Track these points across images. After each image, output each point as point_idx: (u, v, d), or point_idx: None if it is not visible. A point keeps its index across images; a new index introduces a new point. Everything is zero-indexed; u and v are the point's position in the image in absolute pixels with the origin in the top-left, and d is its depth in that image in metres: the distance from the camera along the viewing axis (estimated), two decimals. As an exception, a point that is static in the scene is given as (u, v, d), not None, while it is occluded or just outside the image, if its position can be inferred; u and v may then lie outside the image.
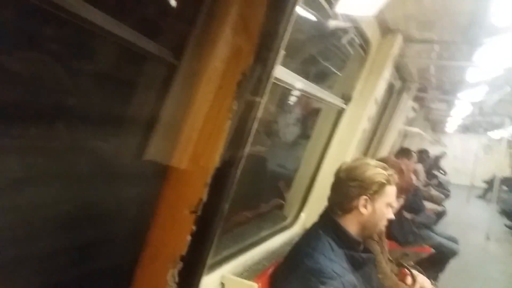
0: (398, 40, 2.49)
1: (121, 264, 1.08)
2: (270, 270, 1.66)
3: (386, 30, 2.45)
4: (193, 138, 1.03)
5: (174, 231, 1.01)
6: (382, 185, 1.52)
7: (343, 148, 2.41)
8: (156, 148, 1.10)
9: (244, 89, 0.96)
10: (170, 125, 1.08)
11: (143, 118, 1.19)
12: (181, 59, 1.11)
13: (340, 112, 2.39)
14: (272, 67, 0.96)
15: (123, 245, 1.12)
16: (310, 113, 3.58)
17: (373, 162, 1.59)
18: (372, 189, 1.51)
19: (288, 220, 2.43)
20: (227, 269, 1.58)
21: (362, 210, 1.51)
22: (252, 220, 2.24)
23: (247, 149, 0.99)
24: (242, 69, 0.96)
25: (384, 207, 1.54)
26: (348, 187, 1.51)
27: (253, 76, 0.96)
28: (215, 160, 0.97)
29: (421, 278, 2.10)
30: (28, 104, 0.92)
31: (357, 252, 1.54)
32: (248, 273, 1.67)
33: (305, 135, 3.50)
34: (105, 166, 1.21)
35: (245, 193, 1.82)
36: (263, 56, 0.94)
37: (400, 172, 1.73)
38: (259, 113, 0.99)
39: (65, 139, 1.04)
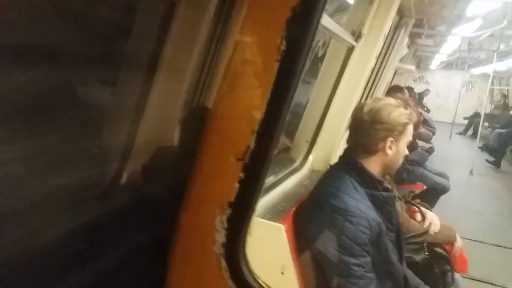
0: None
1: (165, 210, 1.06)
2: (292, 211, 1.68)
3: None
4: (238, 82, 0.97)
5: (221, 178, 0.98)
6: (405, 125, 1.53)
7: (352, 87, 2.37)
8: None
9: (294, 27, 0.89)
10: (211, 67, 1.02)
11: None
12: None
13: (349, 50, 2.32)
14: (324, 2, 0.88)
15: (166, 191, 1.09)
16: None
17: (394, 101, 1.57)
18: (398, 130, 1.51)
19: (297, 163, 2.42)
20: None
21: (388, 151, 1.52)
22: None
23: (295, 94, 0.95)
24: (292, 4, 0.88)
25: (405, 146, 1.58)
26: (375, 130, 1.50)
27: (303, 12, 0.88)
28: (263, 106, 0.92)
29: (430, 215, 2.17)
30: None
31: (379, 191, 1.57)
32: (270, 215, 1.68)
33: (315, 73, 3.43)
34: (136, 111, 1.17)
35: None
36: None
37: (413, 109, 1.73)
38: (308, 54, 0.93)
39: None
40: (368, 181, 1.53)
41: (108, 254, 0.97)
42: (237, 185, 0.95)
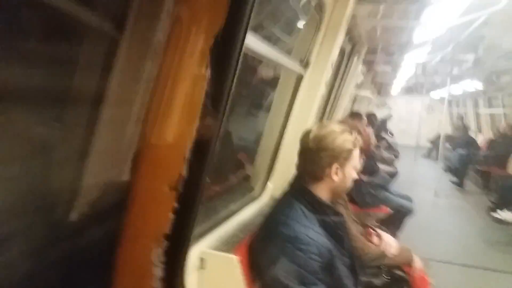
0: (351, 1, 2.48)
1: (101, 248, 1.02)
2: (246, 241, 1.65)
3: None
4: (164, 112, 0.97)
5: (155, 210, 0.96)
6: (350, 151, 1.55)
7: (304, 115, 2.41)
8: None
9: (217, 55, 0.90)
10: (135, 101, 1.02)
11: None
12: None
13: (299, 79, 2.38)
14: (245, 28, 0.91)
15: (101, 228, 1.05)
16: (262, 82, 3.55)
17: (338, 128, 1.59)
18: (343, 156, 1.53)
19: (256, 191, 2.42)
20: (204, 245, 1.55)
21: (334, 177, 1.53)
22: (221, 193, 2.21)
23: (225, 119, 0.95)
24: (214, 32, 0.90)
25: (352, 170, 1.59)
26: (319, 157, 1.52)
27: (225, 41, 0.91)
28: (192, 133, 0.92)
29: (386, 236, 2.18)
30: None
31: (328, 216, 1.56)
32: (225, 246, 1.65)
33: (260, 105, 3.49)
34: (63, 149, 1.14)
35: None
36: (236, 17, 0.89)
37: (360, 134, 1.76)
38: (235, 80, 0.95)
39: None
40: (317, 207, 1.53)
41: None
42: (172, 215, 0.94)
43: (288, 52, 2.45)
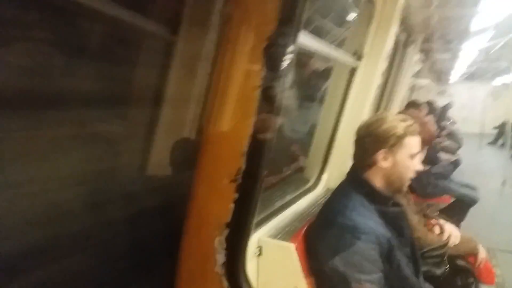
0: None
1: (167, 236, 1.11)
2: (303, 231, 1.70)
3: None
4: (221, 107, 1.04)
5: (217, 200, 1.03)
6: (400, 137, 1.53)
7: (359, 106, 2.41)
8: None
9: (271, 55, 0.95)
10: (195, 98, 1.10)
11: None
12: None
13: (353, 70, 2.37)
14: (298, 28, 0.95)
15: (167, 218, 1.15)
16: (314, 74, 3.55)
17: (390, 116, 1.61)
18: (390, 142, 1.53)
19: (311, 182, 2.45)
20: (262, 233, 1.61)
21: (383, 163, 1.54)
22: (275, 184, 2.27)
23: (280, 115, 1.01)
24: (268, 33, 0.95)
25: (407, 159, 1.56)
26: (366, 143, 1.56)
27: (280, 40, 0.95)
28: (249, 128, 0.98)
29: (449, 227, 2.14)
30: (27, 91, 0.93)
31: (387, 207, 1.58)
32: (282, 235, 1.70)
33: (312, 97, 3.49)
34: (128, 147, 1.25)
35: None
36: (288, 17, 0.93)
37: (422, 124, 1.74)
38: (290, 78, 0.99)
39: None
40: (375, 197, 1.55)
41: (117, 273, 1.03)
42: (232, 205, 1.01)
43: (340, 44, 2.45)
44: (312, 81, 3.53)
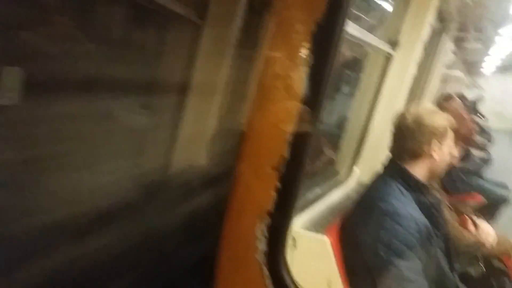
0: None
1: (209, 222, 1.12)
2: (337, 224, 1.68)
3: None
4: (269, 96, 1.03)
5: (259, 188, 1.03)
6: (447, 129, 1.58)
7: (394, 97, 2.36)
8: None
9: (319, 40, 0.93)
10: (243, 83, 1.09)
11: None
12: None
13: (387, 59, 2.32)
14: (347, 13, 0.93)
15: (209, 202, 1.16)
16: (342, 64, 3.49)
17: (434, 107, 1.66)
18: (441, 134, 1.55)
19: (341, 175, 2.43)
20: (295, 225, 1.61)
21: (434, 154, 1.54)
22: (305, 176, 2.25)
23: (323, 104, 0.99)
24: (315, 18, 0.93)
25: (450, 149, 1.60)
26: (422, 136, 1.54)
27: (326, 26, 0.93)
28: (294, 117, 0.97)
29: (484, 224, 2.07)
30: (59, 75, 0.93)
31: (425, 196, 1.57)
32: (316, 228, 1.70)
33: (339, 88, 3.44)
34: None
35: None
36: (337, 2, 0.91)
37: (461, 119, 1.75)
38: (335, 64, 0.97)
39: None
40: (414, 186, 1.54)
41: (156, 262, 1.04)
42: (274, 194, 1.00)
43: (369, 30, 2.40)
44: (340, 71, 3.48)
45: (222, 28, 1.31)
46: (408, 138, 1.57)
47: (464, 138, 2.32)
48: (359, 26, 2.19)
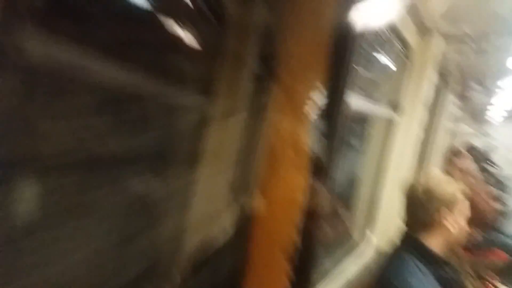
0: (438, 40, 2.44)
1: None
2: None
3: (424, 31, 2.40)
4: (277, 162, 1.02)
5: (271, 274, 1.00)
6: (460, 199, 1.55)
7: (401, 158, 2.35)
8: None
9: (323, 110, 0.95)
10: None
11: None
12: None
13: (391, 122, 2.34)
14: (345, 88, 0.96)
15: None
16: (350, 120, 3.50)
17: (444, 176, 1.65)
18: (454, 204, 1.52)
19: (359, 245, 2.35)
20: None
21: (445, 223, 1.50)
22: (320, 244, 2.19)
23: (331, 187, 0.99)
24: (320, 82, 0.95)
25: (464, 219, 1.56)
26: (431, 205, 1.51)
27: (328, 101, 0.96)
28: (301, 197, 0.96)
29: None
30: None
31: (445, 271, 1.52)
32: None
33: (348, 144, 3.43)
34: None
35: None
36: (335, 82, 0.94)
37: (471, 179, 1.73)
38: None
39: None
40: (431, 260, 1.50)
41: None
42: (286, 281, 0.97)
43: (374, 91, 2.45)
44: (348, 126, 3.49)
45: (229, 100, 1.34)
46: (418, 209, 1.54)
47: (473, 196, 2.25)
48: (362, 83, 2.25)
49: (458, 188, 1.56)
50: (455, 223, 1.52)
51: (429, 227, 1.52)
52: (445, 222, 1.50)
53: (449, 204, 1.51)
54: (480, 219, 1.82)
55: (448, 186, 1.54)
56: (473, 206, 1.65)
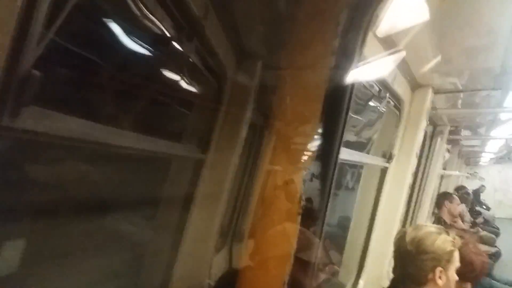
0: (429, 94, 2.54)
1: None
2: None
3: (416, 85, 2.50)
4: (269, 207, 1.06)
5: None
6: (451, 252, 1.51)
7: (393, 207, 2.40)
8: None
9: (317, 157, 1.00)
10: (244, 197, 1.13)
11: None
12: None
13: (383, 171, 2.41)
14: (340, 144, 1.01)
15: None
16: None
17: (434, 228, 1.57)
18: (445, 259, 1.49)
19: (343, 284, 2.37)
20: None
21: (438, 281, 1.48)
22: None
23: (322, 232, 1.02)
24: (314, 130, 1.00)
25: (455, 272, 1.53)
26: (421, 261, 1.48)
27: (322, 154, 1.01)
28: (289, 254, 1.00)
29: None
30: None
31: None
32: None
33: (340, 184, 3.47)
34: None
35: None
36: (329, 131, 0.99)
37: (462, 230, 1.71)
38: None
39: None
40: None
41: None
42: None
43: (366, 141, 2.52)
44: (340, 166, 3.54)
45: (224, 149, 1.39)
46: (409, 264, 1.50)
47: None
48: (355, 133, 2.31)
49: (453, 240, 1.52)
50: (449, 280, 1.50)
51: (421, 284, 1.49)
52: (439, 281, 1.48)
53: (444, 262, 1.48)
54: (468, 272, 1.84)
55: (443, 242, 1.50)
56: (462, 257, 1.60)
